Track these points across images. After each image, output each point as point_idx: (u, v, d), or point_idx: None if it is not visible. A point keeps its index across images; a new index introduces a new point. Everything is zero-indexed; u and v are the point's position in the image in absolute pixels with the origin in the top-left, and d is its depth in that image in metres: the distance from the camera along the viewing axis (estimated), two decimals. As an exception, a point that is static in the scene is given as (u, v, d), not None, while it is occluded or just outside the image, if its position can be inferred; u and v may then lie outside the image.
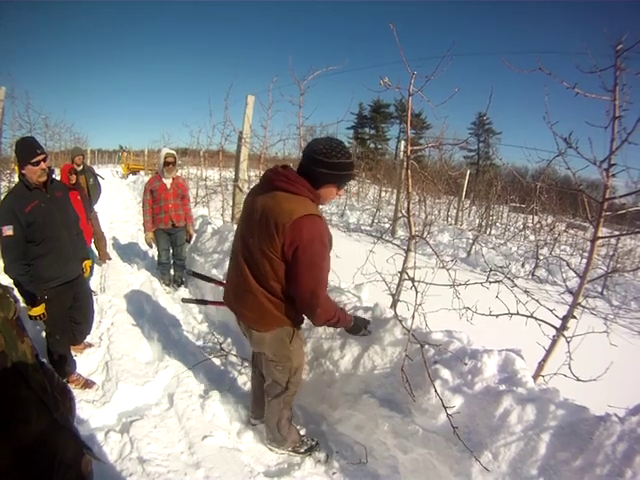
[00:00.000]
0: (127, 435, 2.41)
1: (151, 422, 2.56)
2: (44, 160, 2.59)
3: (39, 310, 2.67)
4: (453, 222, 13.75)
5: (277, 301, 2.08)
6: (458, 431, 2.04)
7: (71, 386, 2.89)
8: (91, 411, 2.65)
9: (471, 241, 9.39)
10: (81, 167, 5.63)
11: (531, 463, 1.88)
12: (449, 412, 2.10)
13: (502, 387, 2.16)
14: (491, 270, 2.72)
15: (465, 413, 2.14)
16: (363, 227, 11.58)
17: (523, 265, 8.31)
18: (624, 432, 1.77)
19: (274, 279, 2.01)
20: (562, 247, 11.27)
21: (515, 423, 1.99)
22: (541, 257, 8.38)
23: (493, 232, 12.61)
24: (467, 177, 13.35)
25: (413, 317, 2.50)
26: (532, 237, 10.67)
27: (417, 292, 2.68)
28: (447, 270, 2.64)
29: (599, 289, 7.95)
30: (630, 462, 1.68)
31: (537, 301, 2.49)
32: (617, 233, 7.14)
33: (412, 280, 2.77)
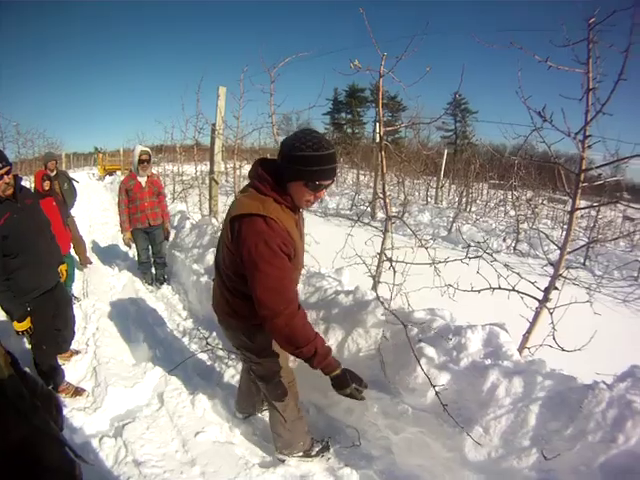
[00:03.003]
0: (121, 439, 2.40)
1: (143, 423, 2.55)
2: (7, 173, 2.46)
3: (25, 325, 2.62)
4: (433, 201, 13.87)
5: (231, 297, 1.99)
6: (447, 408, 2.06)
7: (62, 395, 2.87)
8: (83, 418, 2.63)
9: (451, 219, 9.48)
10: (54, 172, 5.53)
11: (522, 434, 1.90)
12: (437, 389, 2.12)
13: (488, 361, 2.19)
14: (470, 246, 2.74)
15: (453, 389, 2.16)
16: (343, 211, 11.63)
17: (504, 240, 8.44)
18: (613, 399, 1.80)
19: (228, 274, 1.95)
20: (543, 221, 11.51)
21: (503, 396, 2.01)
22: (522, 231, 8.51)
23: (473, 209, 12.75)
24: (445, 156, 13.46)
25: (391, 297, 2.53)
26: (513, 212, 10.81)
27: (395, 272, 2.70)
28: (426, 249, 2.67)
29: (581, 260, 8.12)
30: (621, 427, 1.71)
31: (518, 274, 2.54)
32: (595, 204, 7.28)
33: (390, 260, 2.79)
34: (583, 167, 2.24)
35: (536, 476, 1.84)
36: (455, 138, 46.77)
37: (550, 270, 2.48)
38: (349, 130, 49.37)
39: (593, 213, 9.65)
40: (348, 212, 11.49)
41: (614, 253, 8.81)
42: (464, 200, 12.70)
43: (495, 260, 2.66)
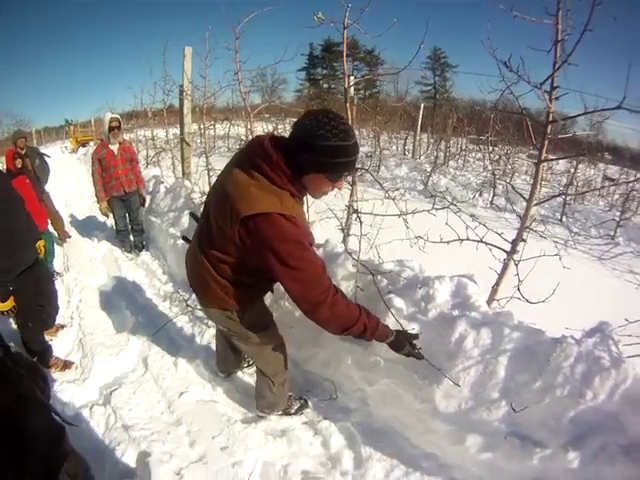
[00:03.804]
0: (109, 406, 2.48)
1: (130, 389, 2.64)
2: None
3: (8, 305, 2.64)
4: (410, 155, 13.86)
5: (224, 282, 1.86)
6: (416, 360, 2.05)
7: (51, 370, 2.93)
8: (73, 390, 2.69)
9: (428, 173, 9.53)
10: (24, 150, 5.39)
11: (492, 386, 1.94)
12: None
13: (455, 312, 2.20)
14: (436, 197, 2.78)
15: (421, 340, 2.13)
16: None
17: (481, 194, 8.50)
18: (581, 354, 1.82)
19: (225, 260, 1.79)
20: (522, 177, 11.58)
21: (471, 347, 2.03)
22: (499, 186, 8.59)
23: (452, 164, 12.78)
24: (421, 110, 13.34)
25: (359, 248, 2.55)
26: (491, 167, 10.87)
27: (361, 223, 2.71)
28: (393, 200, 2.68)
29: (558, 217, 8.25)
30: (589, 383, 1.74)
31: (484, 225, 2.56)
32: (561, 157, 7.35)
33: (356, 212, 2.83)
34: (550, 119, 2.23)
35: (505, 428, 1.88)
36: (434, 92, 46.16)
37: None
38: (325, 85, 48.36)
39: (572, 171, 9.77)
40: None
41: (592, 211, 8.90)
42: (442, 154, 12.69)
43: (460, 210, 2.69)
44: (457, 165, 12.72)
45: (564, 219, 8.12)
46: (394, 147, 16.25)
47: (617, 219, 7.84)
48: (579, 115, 2.53)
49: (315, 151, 1.54)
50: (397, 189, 3.42)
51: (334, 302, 1.67)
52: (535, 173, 2.45)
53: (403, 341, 1.90)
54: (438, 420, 2.10)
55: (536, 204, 2.48)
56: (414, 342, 1.95)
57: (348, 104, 2.79)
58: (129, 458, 2.14)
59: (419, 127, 13.34)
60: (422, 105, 13.86)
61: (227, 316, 2.00)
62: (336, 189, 1.77)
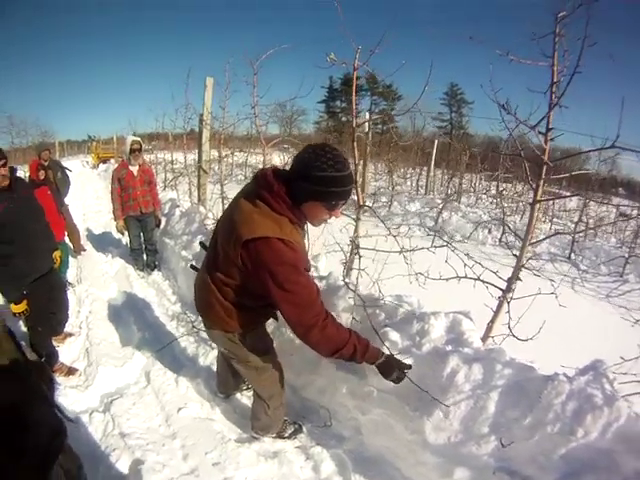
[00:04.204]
0: (109, 414, 2.57)
1: (130, 399, 2.73)
2: (4, 165, 2.61)
3: (22, 307, 2.77)
4: (423, 191, 13.97)
5: (226, 305, 1.96)
6: (409, 391, 2.12)
7: (56, 375, 3.03)
8: (75, 396, 2.79)
9: (439, 210, 9.61)
10: (48, 162, 5.61)
11: (482, 421, 1.95)
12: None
13: (449, 347, 2.23)
14: (435, 235, 2.87)
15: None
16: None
17: (490, 232, 8.52)
18: (573, 391, 1.81)
19: (228, 284, 1.90)
20: (535, 214, 11.51)
21: (463, 382, 2.05)
22: (510, 223, 8.59)
23: (464, 200, 12.85)
24: (435, 146, 13.52)
25: (357, 282, 2.63)
26: (505, 204, 10.86)
27: (360, 257, 2.82)
28: (394, 237, 2.76)
29: (567, 254, 8.12)
30: (581, 420, 1.73)
31: (480, 264, 2.61)
32: (554, 197, 7.33)
33: (357, 247, 2.93)
34: (545, 159, 2.27)
35: (494, 463, 1.89)
36: (451, 128, 46.65)
37: (535, 263, 2.52)
38: (344, 119, 49.25)
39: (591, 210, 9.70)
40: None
41: (602, 248, 8.77)
42: (455, 191, 12.78)
43: (455, 249, 2.76)
44: (469, 202, 12.77)
45: (572, 256, 8.03)
46: (408, 182, 16.41)
47: (626, 255, 7.71)
48: (571, 156, 2.63)
49: (311, 181, 1.66)
50: (399, 226, 3.51)
51: (325, 325, 1.76)
52: (530, 213, 2.47)
53: (393, 366, 1.94)
54: (428, 452, 2.12)
55: (531, 243, 2.51)
56: (405, 371, 1.99)
57: (355, 143, 2.91)
58: (123, 465, 2.21)
59: (432, 163, 13.49)
60: (436, 141, 14.04)
61: (229, 338, 2.09)
62: (334, 217, 1.89)
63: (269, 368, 2.27)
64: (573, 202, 11.79)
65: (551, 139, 2.27)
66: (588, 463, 1.69)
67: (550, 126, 2.23)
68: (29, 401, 1.26)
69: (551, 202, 11.64)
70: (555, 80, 2.16)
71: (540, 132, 2.25)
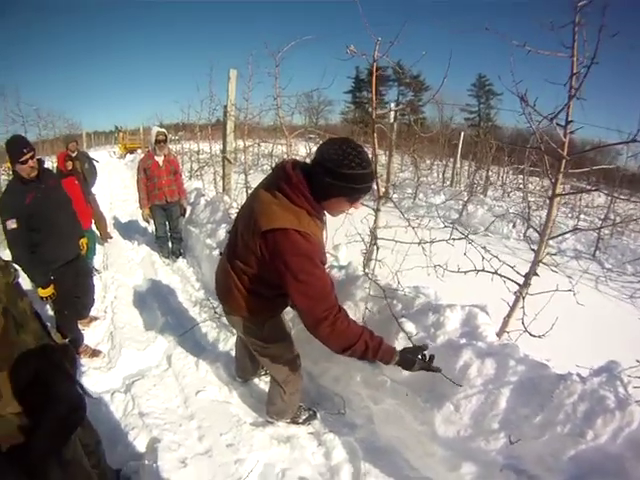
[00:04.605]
0: (129, 394, 2.69)
1: (151, 381, 2.84)
2: (32, 157, 2.74)
3: (49, 291, 2.91)
4: (449, 184, 13.78)
5: (245, 292, 2.01)
6: (421, 383, 2.15)
7: (80, 356, 3.17)
8: (98, 376, 2.93)
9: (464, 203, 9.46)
10: (75, 153, 5.77)
11: (492, 417, 1.94)
12: None
13: (463, 340, 2.23)
14: (454, 227, 2.86)
15: None
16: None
17: (514, 226, 8.33)
18: (585, 392, 1.79)
19: (247, 272, 1.95)
20: (562, 209, 11.25)
21: (475, 376, 2.04)
22: (536, 217, 8.38)
23: (490, 194, 12.62)
24: (461, 138, 13.30)
25: (373, 271, 2.66)
26: (532, 199, 10.62)
27: (378, 248, 2.84)
28: (413, 229, 2.78)
29: (592, 251, 7.86)
30: (591, 423, 1.70)
31: (497, 257, 2.58)
32: (575, 191, 7.12)
33: (375, 237, 2.94)
34: (563, 153, 2.21)
35: (502, 460, 1.87)
36: (479, 120, 45.69)
37: (558, 259, 2.46)
38: (370, 109, 48.89)
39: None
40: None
41: (629, 247, 8.42)
42: (481, 184, 12.56)
43: (472, 242, 2.73)
44: (496, 195, 12.52)
45: (597, 254, 7.77)
46: (435, 174, 16.21)
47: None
48: (590, 150, 2.54)
49: (340, 178, 1.70)
50: (422, 218, 3.48)
51: (336, 320, 1.76)
52: (549, 207, 2.41)
53: (411, 358, 1.90)
54: (436, 444, 2.12)
55: (550, 238, 2.47)
56: (425, 353, 1.95)
57: (375, 134, 2.93)
58: (140, 443, 2.32)
59: (459, 155, 13.29)
60: (462, 133, 13.81)
61: (247, 324, 2.15)
62: (354, 209, 1.95)
63: (286, 355, 2.31)
64: (601, 198, 11.40)
65: (571, 132, 2.20)
66: (596, 467, 1.66)
67: (570, 119, 2.16)
68: (52, 375, 1.34)
69: (578, 198, 11.36)
70: (575, 71, 2.09)
71: (559, 124, 2.19)
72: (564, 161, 2.26)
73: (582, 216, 10.57)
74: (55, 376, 1.36)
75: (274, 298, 2.08)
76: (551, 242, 7.68)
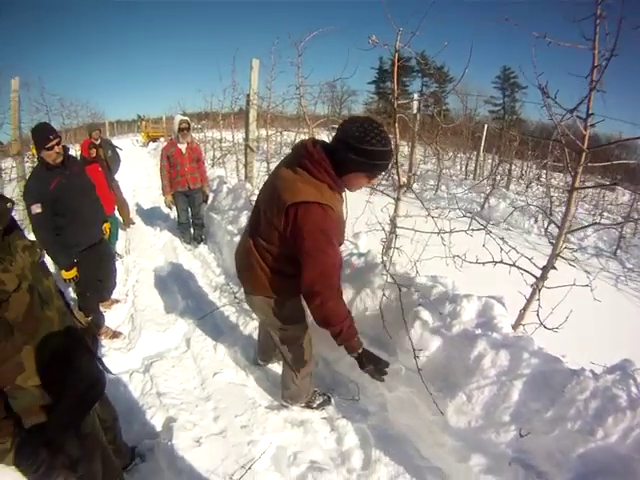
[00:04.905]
0: (148, 374, 2.77)
1: (169, 362, 2.92)
2: (58, 144, 2.82)
3: (72, 274, 3.01)
4: (472, 176, 13.60)
5: (267, 271, 2.06)
6: (435, 372, 2.17)
7: (101, 337, 3.27)
8: (118, 357, 3.02)
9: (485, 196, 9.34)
10: (99, 141, 5.86)
11: (503, 409, 1.95)
12: (422, 355, 2.26)
13: (478, 331, 2.24)
14: (473, 218, 2.84)
15: (443, 354, 2.25)
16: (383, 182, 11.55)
17: (536, 221, 8.18)
18: (597, 389, 1.78)
19: (270, 250, 2.00)
20: (586, 206, 11.07)
21: (489, 367, 2.06)
22: (558, 214, 8.18)
23: (513, 188, 12.42)
24: (485, 131, 13.08)
25: (390, 259, 2.68)
26: (555, 194, 10.40)
27: (396, 237, 2.88)
28: (433, 218, 2.78)
29: (613, 249, 7.70)
30: (602, 421, 1.69)
31: (514, 249, 2.58)
32: (594, 185, 6.95)
33: (394, 226, 2.97)
34: (585, 146, 2.19)
35: (511, 454, 1.88)
36: (503, 113, 44.88)
37: (579, 255, 2.42)
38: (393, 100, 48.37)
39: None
40: (385, 182, 11.45)
41: None
42: (505, 177, 12.35)
43: (490, 232, 2.72)
44: (519, 189, 12.31)
45: (618, 252, 7.59)
46: (458, 166, 16.02)
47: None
48: (611, 144, 2.47)
49: (361, 154, 1.77)
50: (442, 209, 3.46)
51: (328, 298, 1.86)
52: (568, 201, 2.40)
53: (364, 362, 2.00)
54: (447, 434, 2.15)
55: (568, 232, 2.45)
56: (383, 369, 2.03)
57: (397, 123, 2.92)
58: (157, 422, 2.40)
59: (482, 148, 13.09)
60: (485, 125, 13.58)
61: (267, 303, 2.19)
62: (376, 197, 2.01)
63: (301, 337, 2.36)
64: (625, 197, 11.10)
65: (592, 125, 2.17)
66: (604, 466, 1.65)
67: (590, 111, 2.13)
68: (74, 351, 1.39)
69: (602, 196, 11.09)
70: (596, 64, 2.07)
71: (579, 117, 2.17)
72: (584, 154, 2.23)
73: (605, 214, 10.31)
74: (77, 352, 1.42)
75: (296, 276, 2.09)
76: (572, 239, 7.57)
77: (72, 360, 1.38)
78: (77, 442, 1.41)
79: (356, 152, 1.77)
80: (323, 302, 1.85)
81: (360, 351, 1.99)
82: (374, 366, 2.00)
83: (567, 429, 1.76)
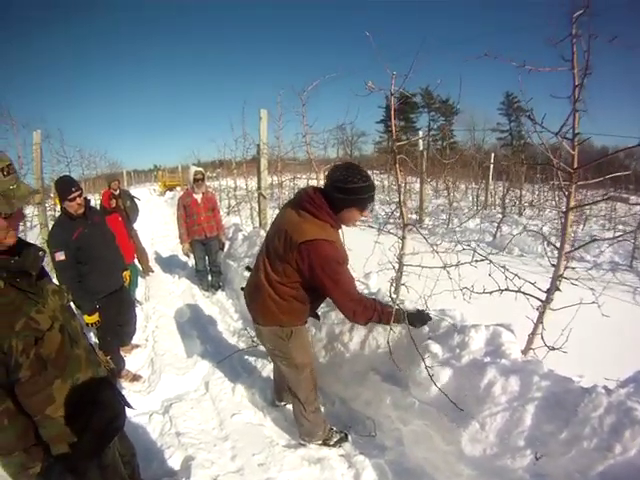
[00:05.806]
0: (167, 415, 2.86)
1: (188, 404, 3.00)
2: (79, 195, 3.03)
3: (94, 318, 3.15)
4: (482, 207, 13.60)
5: (279, 301, 2.30)
6: (448, 402, 2.15)
7: (122, 380, 3.38)
8: (138, 399, 3.09)
9: (496, 225, 9.35)
10: (118, 191, 6.18)
11: (517, 434, 1.94)
12: (439, 385, 2.25)
13: (487, 359, 2.25)
14: (474, 250, 2.89)
15: (453, 385, 2.25)
16: (392, 219, 11.56)
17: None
18: (611, 404, 1.75)
19: (281, 282, 2.27)
20: (601, 222, 10.93)
21: (499, 394, 2.06)
22: (570, 234, 8.08)
23: (526, 212, 12.39)
24: (492, 159, 13.16)
25: (397, 295, 2.77)
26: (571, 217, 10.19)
27: (402, 274, 3.02)
28: (437, 253, 2.84)
29: (628, 262, 7.51)
30: (618, 436, 1.66)
31: (516, 275, 2.60)
32: (588, 202, 6.94)
33: (400, 264, 3.06)
34: (575, 166, 2.24)
35: (529, 478, 1.86)
36: (511, 139, 45.16)
37: (594, 273, 2.39)
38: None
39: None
40: (397, 220, 11.41)
41: None
42: (516, 204, 12.34)
43: (491, 262, 2.74)
44: (532, 214, 12.24)
45: (634, 264, 7.42)
46: (469, 197, 16.05)
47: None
48: (600, 160, 2.52)
49: (348, 192, 2.14)
50: (451, 242, 3.50)
51: (360, 301, 2.32)
52: (564, 221, 2.41)
53: (414, 322, 2.52)
54: (463, 464, 2.14)
55: (567, 252, 2.46)
56: (426, 319, 2.57)
57: (397, 164, 3.03)
58: (175, 460, 2.46)
59: (490, 176, 13.15)
60: (492, 154, 13.68)
61: (277, 334, 2.41)
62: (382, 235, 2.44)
63: (307, 368, 2.52)
64: (639, 207, 10.90)
65: (579, 143, 2.24)
66: None
67: (577, 131, 2.20)
68: (98, 385, 1.52)
69: (613, 209, 10.98)
70: (577, 83, 2.12)
71: (566, 138, 2.23)
72: (576, 174, 2.27)
73: (620, 227, 10.18)
74: (100, 387, 1.54)
75: (306, 302, 2.40)
76: (588, 257, 7.48)
77: (96, 394, 1.49)
78: (99, 472, 1.51)
79: (343, 192, 2.14)
80: (356, 312, 2.29)
81: (399, 321, 2.44)
82: (420, 323, 2.55)
83: (584, 448, 1.73)
